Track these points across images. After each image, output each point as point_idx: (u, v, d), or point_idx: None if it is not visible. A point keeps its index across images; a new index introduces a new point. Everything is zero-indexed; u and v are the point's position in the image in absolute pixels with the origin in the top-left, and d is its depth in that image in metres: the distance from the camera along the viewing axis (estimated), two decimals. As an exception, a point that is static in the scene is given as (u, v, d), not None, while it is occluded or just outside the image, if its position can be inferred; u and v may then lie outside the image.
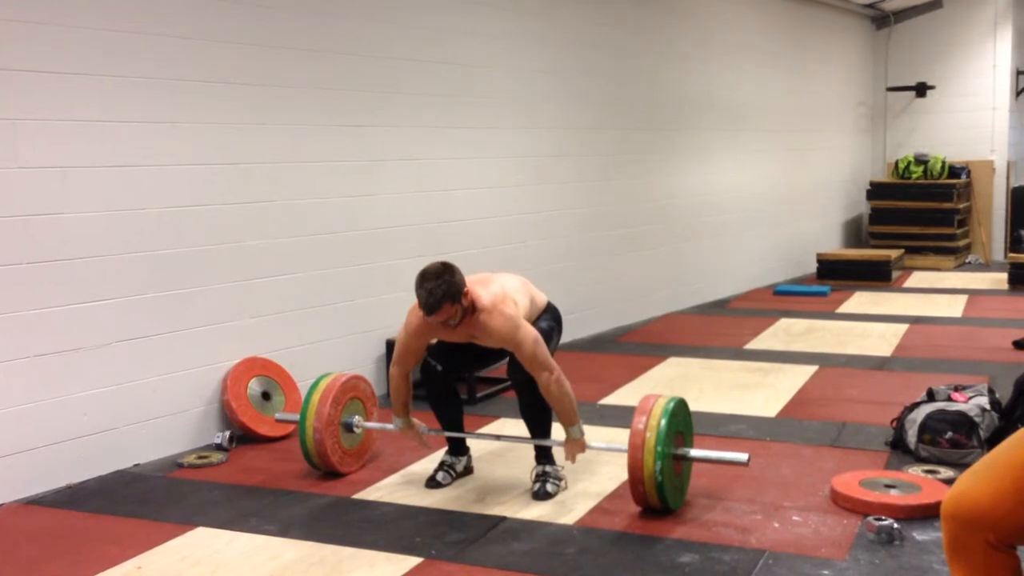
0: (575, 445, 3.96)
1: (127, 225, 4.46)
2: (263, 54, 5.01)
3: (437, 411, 4.23)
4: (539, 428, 4.06)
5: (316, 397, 4.26)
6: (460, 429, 4.25)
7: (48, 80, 4.15)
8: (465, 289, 3.73)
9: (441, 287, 3.65)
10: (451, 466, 4.21)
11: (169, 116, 4.61)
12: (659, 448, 3.62)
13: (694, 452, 3.87)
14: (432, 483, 4.15)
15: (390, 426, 4.30)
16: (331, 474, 4.29)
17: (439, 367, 4.10)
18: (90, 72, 4.29)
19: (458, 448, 4.26)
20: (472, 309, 3.80)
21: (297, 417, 4.33)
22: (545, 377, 3.82)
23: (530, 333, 3.82)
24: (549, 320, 4.18)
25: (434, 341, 4.11)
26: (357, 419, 4.37)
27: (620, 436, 4.78)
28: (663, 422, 3.67)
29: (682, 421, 3.84)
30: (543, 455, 4.08)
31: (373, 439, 4.55)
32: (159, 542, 3.60)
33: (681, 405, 3.84)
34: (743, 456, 3.77)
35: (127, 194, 4.46)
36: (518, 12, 6.68)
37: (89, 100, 4.30)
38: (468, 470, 4.29)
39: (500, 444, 4.67)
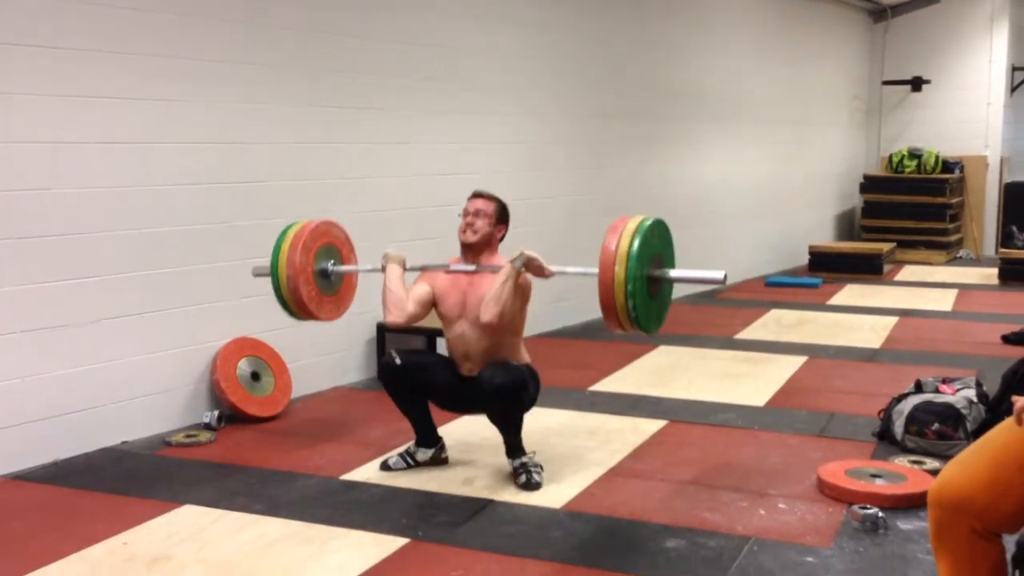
0: (527, 262, 3.82)
1: (118, 202, 4.44)
2: (256, 33, 4.98)
3: (402, 407, 4.11)
4: (507, 430, 3.97)
5: (286, 245, 4.06)
6: (428, 420, 4.13)
7: (40, 55, 4.12)
8: (503, 228, 4.02)
9: (498, 198, 4.01)
10: (411, 454, 4.15)
11: (161, 94, 4.59)
12: (631, 268, 3.36)
13: (670, 273, 3.60)
14: (384, 467, 4.12)
15: (368, 267, 4.18)
16: (307, 315, 4.13)
17: (397, 360, 3.98)
18: (83, 48, 4.26)
19: (425, 439, 4.16)
20: (492, 249, 3.97)
21: (268, 266, 4.13)
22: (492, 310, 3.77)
23: (522, 286, 3.84)
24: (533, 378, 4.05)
25: (426, 295, 3.98)
26: (332, 264, 4.20)
27: (611, 422, 4.82)
28: (636, 241, 3.40)
29: (660, 242, 3.57)
30: (514, 449, 3.99)
31: (353, 285, 4.38)
32: (145, 519, 3.59)
33: (658, 225, 3.55)
34: (719, 274, 3.57)
35: (118, 171, 4.44)
36: (514, 1, 6.67)
37: (81, 76, 4.27)
38: (439, 460, 4.18)
39: (489, 427, 4.66)
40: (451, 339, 4.04)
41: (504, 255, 3.97)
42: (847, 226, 12.27)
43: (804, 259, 10.53)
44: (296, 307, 4.12)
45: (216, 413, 4.74)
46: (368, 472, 4.12)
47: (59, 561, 3.25)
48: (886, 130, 12.51)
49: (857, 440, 4.53)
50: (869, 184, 11.62)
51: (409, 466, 4.13)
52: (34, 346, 4.17)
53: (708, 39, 9.00)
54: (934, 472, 3.86)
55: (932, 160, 11.37)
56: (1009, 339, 6.73)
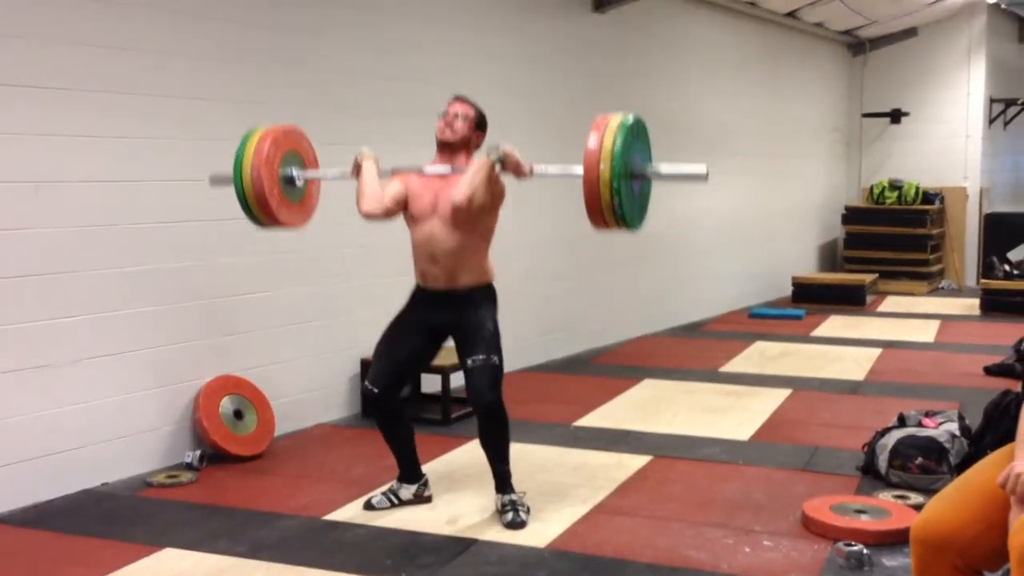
0: (505, 158, 3.79)
1: (99, 241, 4.43)
2: (239, 71, 5.00)
3: (387, 439, 4.12)
4: (499, 456, 3.98)
5: (250, 148, 3.94)
6: (412, 455, 4.14)
7: (22, 94, 4.13)
8: (480, 136, 4.03)
9: (478, 106, 4.01)
10: (395, 492, 4.13)
11: (144, 132, 4.59)
12: (615, 165, 3.34)
13: (653, 168, 3.58)
14: (368, 506, 4.09)
15: (333, 171, 4.11)
16: (271, 219, 4.00)
17: (375, 390, 3.97)
18: (65, 87, 4.27)
19: (409, 475, 4.16)
20: (468, 153, 3.96)
21: (227, 175, 4.02)
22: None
23: (497, 184, 3.87)
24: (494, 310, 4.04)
25: (399, 192, 3.94)
26: (296, 171, 4.07)
27: (596, 458, 4.80)
28: (619, 139, 3.37)
29: (640, 140, 3.55)
30: (504, 484, 3.99)
31: (317, 188, 4.26)
32: (126, 563, 3.55)
33: (638, 123, 3.53)
34: (702, 168, 3.54)
35: (100, 209, 4.43)
36: (490, 31, 6.71)
37: (63, 115, 4.27)
38: (422, 499, 4.16)
39: (473, 467, 4.65)
40: (419, 241, 3.95)
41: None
42: (830, 257, 12.34)
43: (787, 290, 10.57)
44: (260, 210, 3.97)
45: (198, 453, 4.70)
46: (351, 512, 4.09)
47: (37, 607, 3.21)
48: (866, 162, 12.62)
49: (842, 474, 4.53)
50: (851, 215, 11.71)
51: (393, 505, 4.10)
52: (14, 387, 4.14)
53: (690, 73, 9.08)
54: (918, 507, 3.86)
55: (912, 191, 11.47)
56: (991, 371, 6.76)
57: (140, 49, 4.55)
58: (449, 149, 3.97)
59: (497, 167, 3.81)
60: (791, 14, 10.48)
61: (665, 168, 3.63)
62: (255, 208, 3.98)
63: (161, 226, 4.69)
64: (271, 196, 3.94)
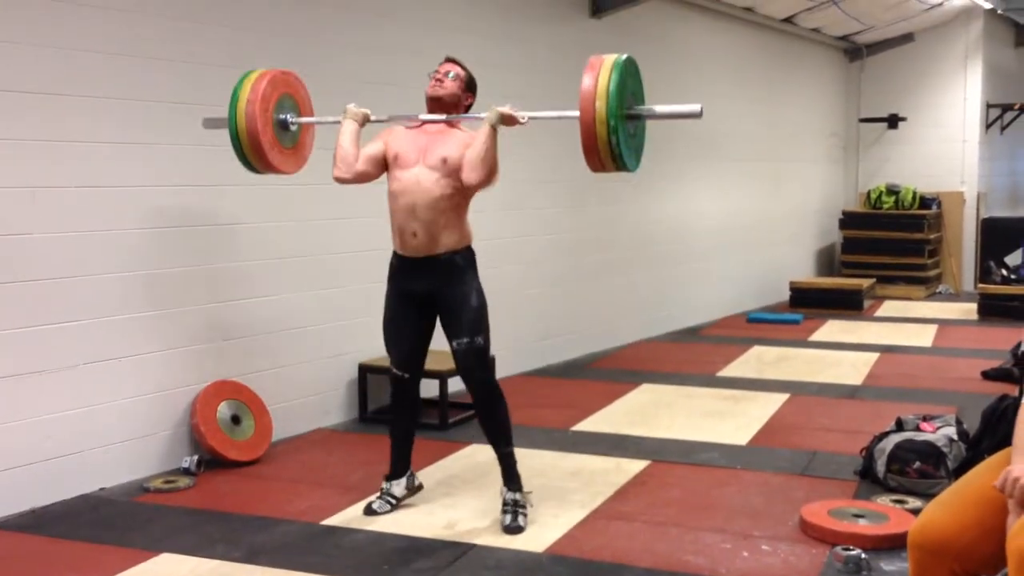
0: (501, 117, 3.78)
1: (97, 246, 4.43)
2: (234, 76, 4.98)
3: (396, 420, 4.18)
4: (499, 436, 3.99)
5: (246, 87, 3.99)
6: (410, 446, 4.19)
7: (19, 99, 4.13)
8: (470, 96, 4.01)
9: (468, 68, 4.01)
10: (389, 492, 4.15)
11: (141, 137, 4.59)
12: (611, 105, 3.33)
13: (648, 108, 3.59)
14: (369, 511, 4.09)
15: (330, 119, 4.11)
16: (265, 165, 4.05)
17: (405, 375, 4.07)
18: (61, 92, 4.27)
19: (398, 469, 4.18)
20: (454, 108, 3.92)
21: (222, 118, 4.07)
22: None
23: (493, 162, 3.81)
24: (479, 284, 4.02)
25: (377, 152, 3.94)
26: (291, 116, 4.13)
27: (594, 463, 4.80)
28: (613, 78, 3.37)
29: (633, 80, 3.56)
30: (510, 475, 4.01)
31: (311, 137, 4.32)
32: (123, 568, 3.54)
33: (631, 62, 3.54)
34: (696, 107, 3.53)
35: (97, 215, 4.43)
36: (488, 36, 6.72)
37: (60, 120, 4.27)
38: (413, 489, 4.21)
39: (472, 471, 4.65)
40: (399, 191, 3.87)
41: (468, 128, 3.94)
42: (827, 262, 12.35)
43: (785, 295, 10.57)
44: (252, 150, 4.01)
45: (195, 458, 4.69)
46: (349, 516, 4.08)
47: (34, 613, 3.20)
48: (864, 166, 12.64)
49: (839, 479, 4.53)
50: (848, 220, 11.72)
51: (393, 506, 4.11)
52: (11, 391, 4.13)
53: (687, 78, 9.09)
54: (916, 511, 3.86)
55: (910, 196, 11.49)
56: (989, 375, 6.76)
57: (137, 55, 4.55)
58: (439, 106, 3.95)
59: (497, 127, 3.79)
60: (788, 20, 10.50)
61: (660, 108, 3.64)
62: (247, 148, 4.01)
63: (158, 231, 4.69)
64: (264, 136, 3.96)
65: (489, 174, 3.78)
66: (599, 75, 3.41)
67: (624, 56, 3.52)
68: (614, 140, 3.39)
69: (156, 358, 4.70)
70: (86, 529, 3.98)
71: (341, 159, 3.92)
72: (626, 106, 3.46)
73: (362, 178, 3.96)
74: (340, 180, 3.95)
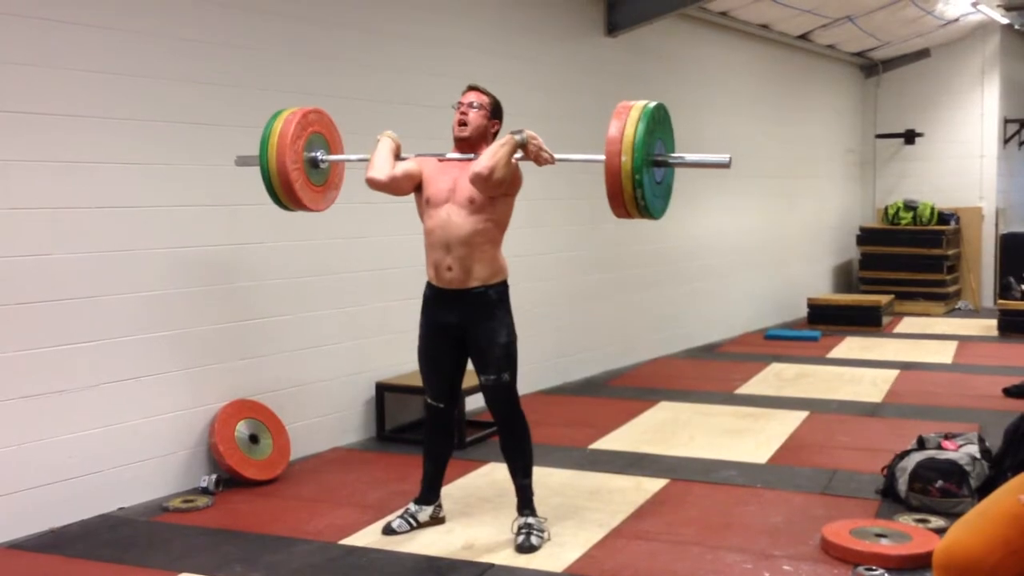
0: (526, 143, 3.77)
1: (116, 267, 4.45)
2: (252, 97, 5.02)
3: (431, 446, 4.18)
4: (519, 467, 4.01)
5: (276, 128, 4.03)
6: (442, 475, 4.20)
7: (39, 122, 4.16)
8: (496, 124, 3.98)
9: (493, 94, 3.99)
10: (413, 515, 4.13)
11: (160, 158, 4.62)
12: (637, 156, 3.29)
13: (675, 158, 3.55)
14: (388, 530, 4.08)
15: (356, 157, 4.13)
16: (296, 203, 4.07)
17: (441, 405, 4.08)
18: (81, 114, 4.31)
19: (427, 496, 4.18)
20: (486, 144, 3.88)
21: (257, 155, 4.11)
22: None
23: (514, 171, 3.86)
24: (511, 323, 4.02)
25: (413, 168, 3.97)
26: (321, 153, 4.18)
27: (612, 481, 4.78)
28: (640, 128, 3.32)
29: (662, 127, 3.52)
30: (526, 504, 4.01)
31: (341, 174, 4.36)
32: (142, 588, 3.55)
33: (660, 109, 3.49)
34: (724, 157, 3.52)
35: (117, 236, 4.46)
36: (505, 56, 6.74)
37: (80, 142, 4.31)
38: (436, 520, 4.18)
39: (490, 491, 4.64)
40: (432, 227, 3.91)
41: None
42: (845, 278, 12.29)
43: (803, 312, 10.53)
44: (284, 191, 4.05)
45: (214, 477, 4.70)
46: (368, 536, 4.07)
47: (54, 633, 3.20)
48: (881, 182, 12.60)
49: (861, 498, 4.49)
50: (866, 236, 11.67)
51: (412, 528, 4.10)
52: (31, 412, 4.15)
53: (704, 95, 9.09)
54: (939, 531, 3.82)
55: (928, 212, 11.44)
56: (1011, 392, 6.70)
57: (153, 76, 4.58)
58: (467, 144, 3.94)
59: (519, 152, 3.78)
60: (804, 36, 10.49)
61: (690, 156, 3.61)
62: (279, 189, 4.04)
63: (176, 251, 4.71)
64: (295, 178, 4.00)
65: (492, 169, 3.72)
66: (626, 125, 3.36)
67: (653, 104, 3.47)
68: (639, 193, 3.36)
69: (175, 378, 4.72)
70: (105, 549, 3.98)
71: (377, 164, 3.94)
72: (653, 155, 3.43)
73: (395, 184, 3.95)
74: (373, 182, 3.93)
